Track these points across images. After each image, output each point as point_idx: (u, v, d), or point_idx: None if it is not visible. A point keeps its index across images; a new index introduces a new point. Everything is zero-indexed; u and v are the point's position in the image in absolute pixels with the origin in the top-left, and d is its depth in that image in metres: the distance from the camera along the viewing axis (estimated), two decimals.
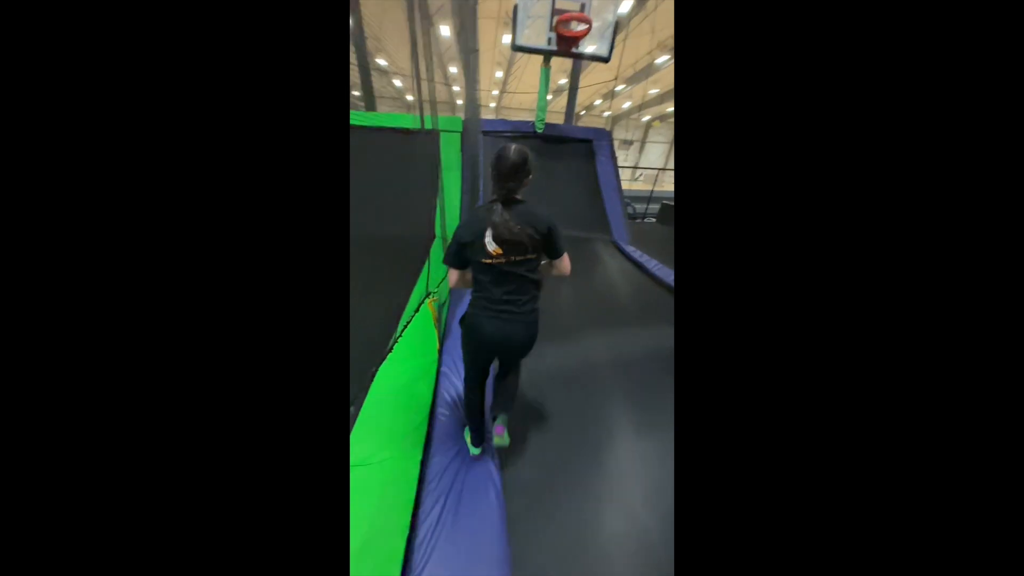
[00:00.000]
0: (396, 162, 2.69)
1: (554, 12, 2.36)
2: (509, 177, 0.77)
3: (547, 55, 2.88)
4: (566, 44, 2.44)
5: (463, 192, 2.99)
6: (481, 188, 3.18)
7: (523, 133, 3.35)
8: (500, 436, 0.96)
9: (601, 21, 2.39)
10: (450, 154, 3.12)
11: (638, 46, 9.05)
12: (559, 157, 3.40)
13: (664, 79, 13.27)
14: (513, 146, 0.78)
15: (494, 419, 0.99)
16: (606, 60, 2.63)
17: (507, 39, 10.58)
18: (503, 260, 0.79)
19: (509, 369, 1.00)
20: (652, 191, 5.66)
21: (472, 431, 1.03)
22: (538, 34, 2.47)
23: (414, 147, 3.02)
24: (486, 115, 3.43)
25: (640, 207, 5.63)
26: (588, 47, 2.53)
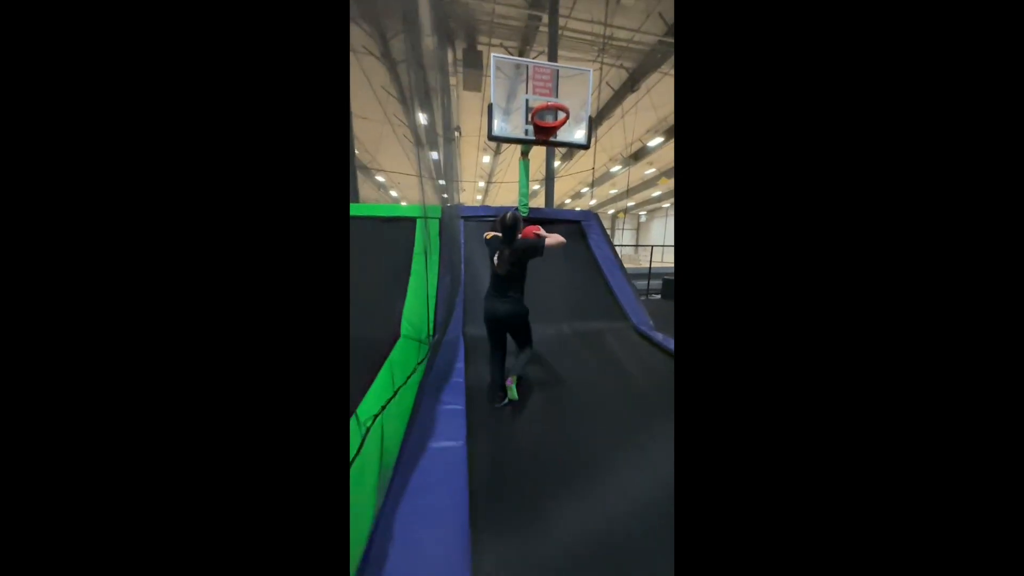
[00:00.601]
0: (367, 252, 2.34)
1: (528, 109, 2.44)
2: (508, 231, 1.48)
3: (525, 145, 2.92)
4: (544, 134, 2.46)
5: (440, 277, 2.50)
6: (463, 272, 2.74)
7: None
8: (509, 386, 1.51)
9: (574, 111, 2.47)
10: (427, 239, 2.80)
11: (597, 159, 11.12)
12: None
13: (619, 183, 16.20)
14: (508, 213, 1.49)
15: (507, 377, 1.53)
16: (585, 147, 2.65)
17: (487, 159, 12.79)
18: (508, 268, 1.48)
19: (517, 342, 1.59)
20: (651, 267, 5.57)
21: (493, 384, 1.60)
22: (515, 127, 2.50)
23: (386, 234, 2.71)
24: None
25: (640, 284, 5.40)
26: (568, 136, 2.56)
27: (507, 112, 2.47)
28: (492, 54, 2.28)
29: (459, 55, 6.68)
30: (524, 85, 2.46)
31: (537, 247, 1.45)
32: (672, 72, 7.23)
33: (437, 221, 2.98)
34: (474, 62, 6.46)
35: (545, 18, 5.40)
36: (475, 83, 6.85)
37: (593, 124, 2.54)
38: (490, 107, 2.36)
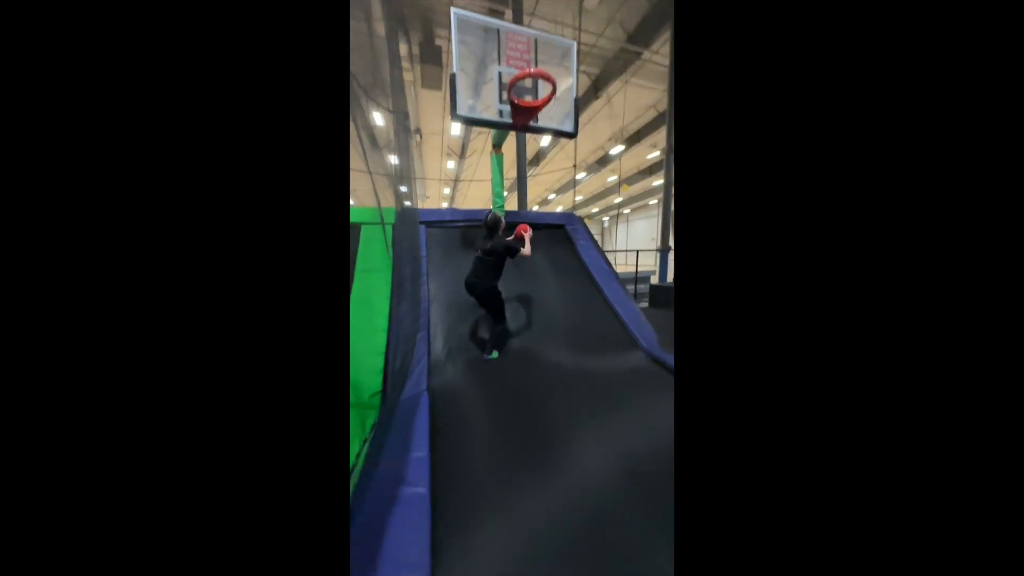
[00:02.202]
0: None
1: (501, 85, 1.93)
2: (491, 229, 1.88)
3: (496, 135, 2.39)
4: (523, 116, 1.96)
5: (394, 304, 1.83)
6: (426, 293, 2.08)
7: (479, 222, 2.60)
8: (490, 355, 1.87)
9: (558, 93, 2.00)
10: (373, 252, 2.11)
11: (563, 166, 11.12)
12: (535, 246, 2.62)
13: (584, 189, 16.62)
14: (489, 215, 1.90)
15: (489, 353, 1.89)
16: (572, 135, 2.20)
17: (451, 164, 12.17)
18: (481, 255, 1.86)
19: (490, 315, 1.94)
20: (636, 272, 5.26)
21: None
22: (486, 107, 1.96)
23: None
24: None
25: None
26: (550, 123, 2.09)
27: (475, 86, 1.93)
28: (452, 9, 1.74)
29: (415, 50, 6.09)
30: (496, 56, 1.94)
31: (511, 250, 1.85)
32: (632, 80, 7.35)
33: (390, 228, 2.31)
34: (432, 57, 5.90)
35: (508, 14, 5.06)
36: (435, 80, 6.28)
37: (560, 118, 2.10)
38: (452, 78, 1.80)
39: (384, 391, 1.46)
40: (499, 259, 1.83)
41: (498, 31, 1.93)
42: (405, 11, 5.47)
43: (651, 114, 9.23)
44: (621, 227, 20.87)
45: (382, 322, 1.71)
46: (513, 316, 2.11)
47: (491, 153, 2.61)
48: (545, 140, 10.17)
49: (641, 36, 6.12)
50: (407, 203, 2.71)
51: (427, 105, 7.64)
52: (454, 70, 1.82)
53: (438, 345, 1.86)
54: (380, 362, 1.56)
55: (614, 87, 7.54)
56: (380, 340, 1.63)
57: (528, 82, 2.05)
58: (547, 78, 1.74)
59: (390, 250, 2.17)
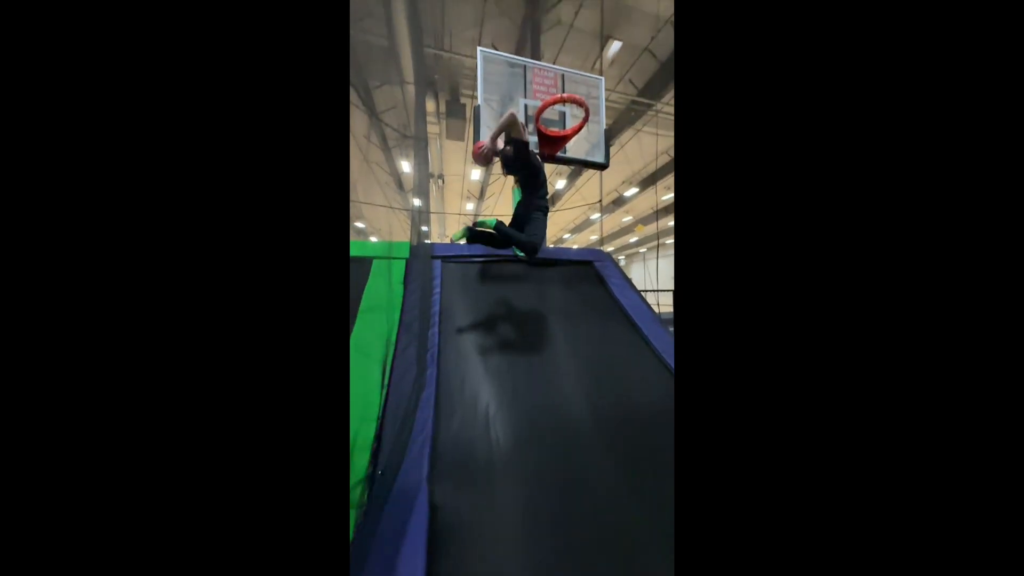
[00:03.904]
0: None
1: (527, 117, 1.84)
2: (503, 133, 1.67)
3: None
4: (551, 147, 1.83)
5: (399, 350, 1.53)
6: (435, 336, 1.77)
7: (500, 256, 2.38)
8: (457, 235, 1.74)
9: (588, 130, 1.89)
10: (379, 288, 1.89)
11: (577, 208, 11.40)
12: (559, 286, 2.33)
13: (597, 230, 16.83)
14: (504, 119, 1.60)
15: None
16: (604, 166, 2.05)
17: (470, 206, 12.78)
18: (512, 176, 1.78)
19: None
20: (659, 313, 4.77)
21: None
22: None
23: None
24: None
25: None
26: (580, 154, 1.95)
27: (499, 117, 1.85)
28: (479, 48, 1.74)
29: (442, 107, 6.73)
30: (522, 91, 1.89)
31: (507, 157, 1.56)
32: (643, 130, 7.69)
33: (403, 263, 2.12)
34: (457, 112, 6.46)
35: None
36: (458, 133, 6.82)
37: (576, 172, 1.97)
38: (476, 111, 1.73)
39: (371, 474, 1.08)
40: (525, 168, 1.57)
41: (524, 67, 1.90)
42: (436, 76, 6.15)
43: (664, 159, 9.50)
44: (637, 266, 20.54)
45: (375, 375, 1.39)
46: (546, 385, 1.62)
47: (513, 187, 2.50)
48: (561, 183, 10.57)
49: (651, 90, 6.51)
50: (427, 242, 2.60)
51: (450, 155, 8.28)
52: (479, 103, 1.75)
53: (448, 409, 1.41)
54: (375, 423, 1.20)
55: (627, 135, 7.90)
56: (376, 402, 1.30)
57: (555, 114, 1.97)
58: (579, 103, 1.62)
59: (401, 288, 1.94)
